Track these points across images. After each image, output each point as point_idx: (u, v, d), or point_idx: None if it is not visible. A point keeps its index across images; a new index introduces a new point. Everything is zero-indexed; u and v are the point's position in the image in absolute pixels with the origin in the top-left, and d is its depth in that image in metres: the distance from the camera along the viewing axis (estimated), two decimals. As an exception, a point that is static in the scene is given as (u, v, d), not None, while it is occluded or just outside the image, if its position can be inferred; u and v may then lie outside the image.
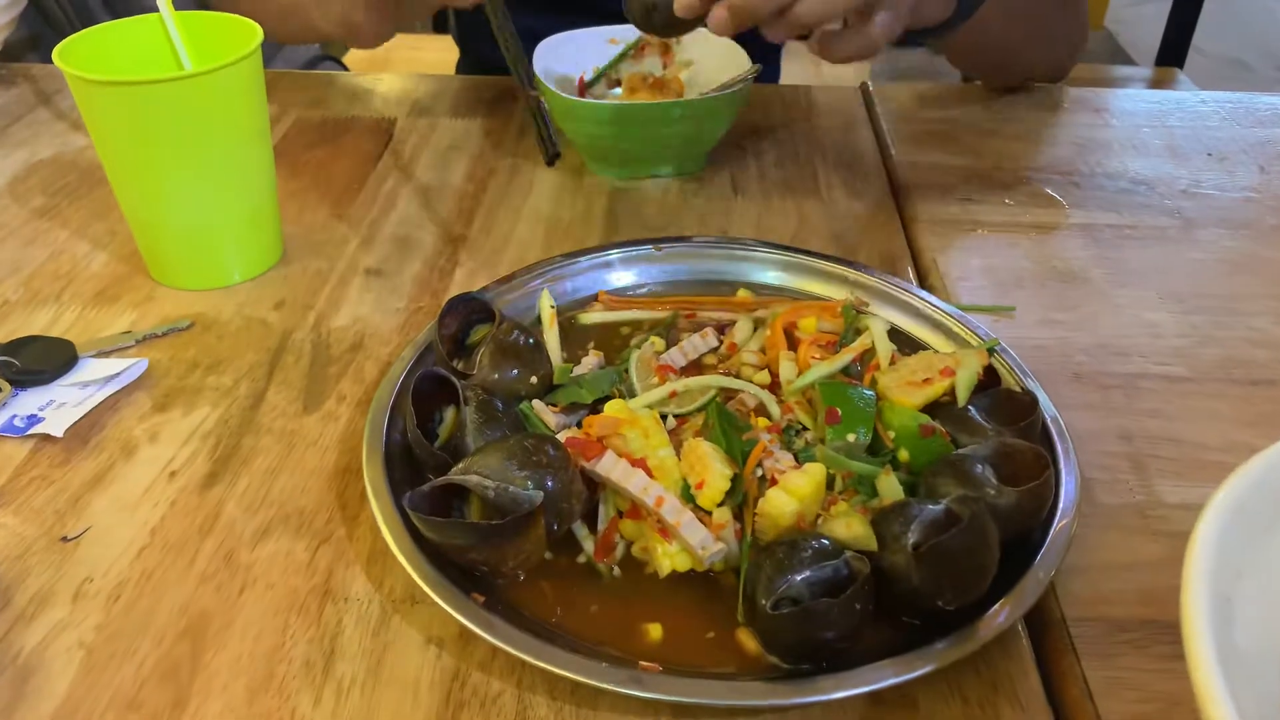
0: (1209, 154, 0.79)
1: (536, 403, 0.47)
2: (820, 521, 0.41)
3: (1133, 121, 0.83)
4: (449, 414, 0.47)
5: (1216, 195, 0.73)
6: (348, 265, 0.64)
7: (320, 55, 1.34)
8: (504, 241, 0.67)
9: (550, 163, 0.66)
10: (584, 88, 0.80)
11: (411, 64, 1.86)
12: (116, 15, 1.03)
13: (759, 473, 0.42)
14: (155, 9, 0.60)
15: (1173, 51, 2.23)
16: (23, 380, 0.52)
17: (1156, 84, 1.98)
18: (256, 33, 0.58)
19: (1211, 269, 0.65)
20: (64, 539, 0.44)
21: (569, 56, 0.79)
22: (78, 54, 0.57)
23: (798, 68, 1.88)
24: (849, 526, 0.39)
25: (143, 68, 0.60)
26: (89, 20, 1.05)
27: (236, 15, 0.61)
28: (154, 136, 0.55)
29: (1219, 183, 0.75)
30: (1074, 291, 0.62)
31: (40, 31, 1.02)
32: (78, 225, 0.67)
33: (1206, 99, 0.88)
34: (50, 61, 0.56)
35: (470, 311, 0.52)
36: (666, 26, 0.63)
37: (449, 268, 0.64)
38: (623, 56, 0.81)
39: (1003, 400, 0.48)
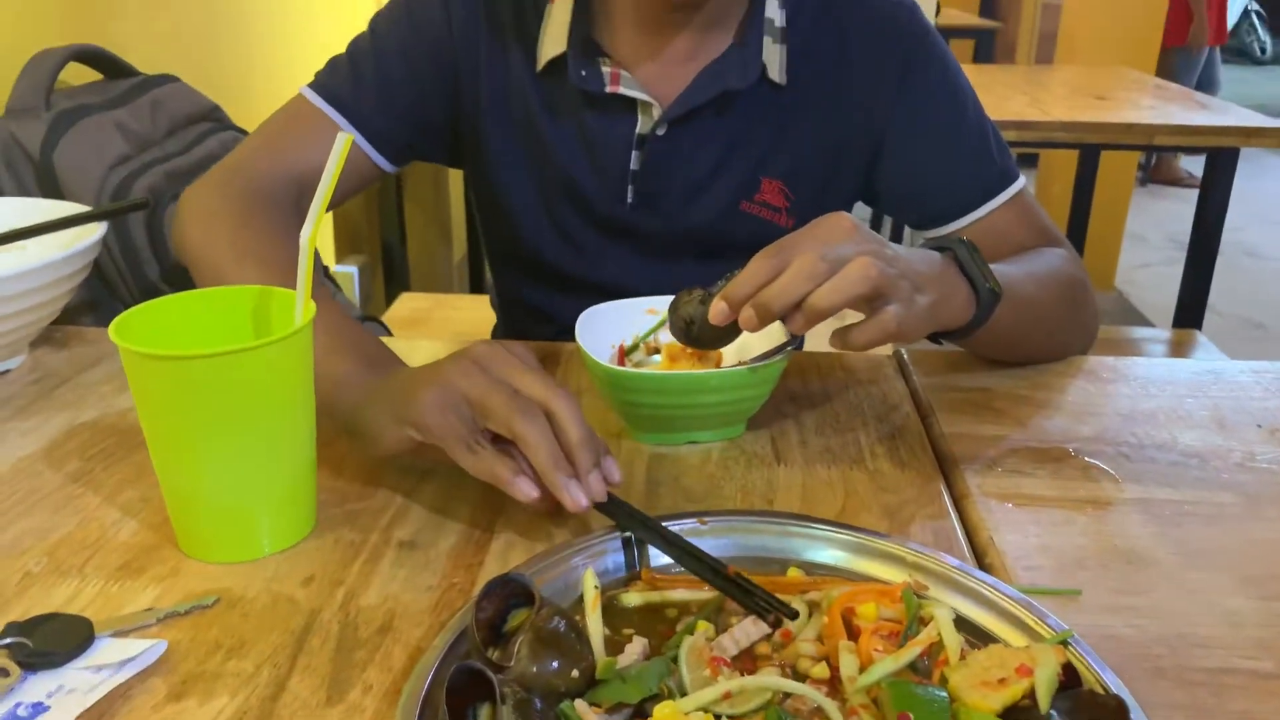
0: (1258, 425, 0.78)
1: (579, 703, 0.44)
2: None
3: (1175, 392, 0.83)
4: (484, 712, 0.43)
5: (1275, 469, 0.71)
6: (381, 537, 0.62)
7: (361, 317, 1.38)
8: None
9: (783, 621, 0.51)
10: (623, 355, 0.81)
11: (450, 323, 1.92)
12: (173, 282, 1.07)
13: (829, 793, 0.38)
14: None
15: (1189, 313, 2.29)
16: (34, 663, 0.49)
17: (1177, 346, 2.02)
18: (309, 307, 0.59)
19: (1284, 550, 0.62)
20: None
21: (609, 325, 0.80)
22: (133, 326, 0.58)
23: (830, 323, 1.92)
24: None
25: (195, 339, 0.61)
26: (145, 285, 1.10)
27: (293, 291, 0.62)
28: (200, 409, 0.55)
29: (1274, 456, 0.73)
30: (1141, 574, 0.59)
31: (98, 296, 1.06)
32: (110, 491, 0.66)
33: (1244, 369, 0.88)
34: (103, 325, 0.57)
35: (509, 594, 0.49)
36: (707, 339, 0.69)
37: (485, 540, 0.62)
38: (661, 324, 0.83)
39: (1086, 703, 0.44)
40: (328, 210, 0.94)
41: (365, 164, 0.93)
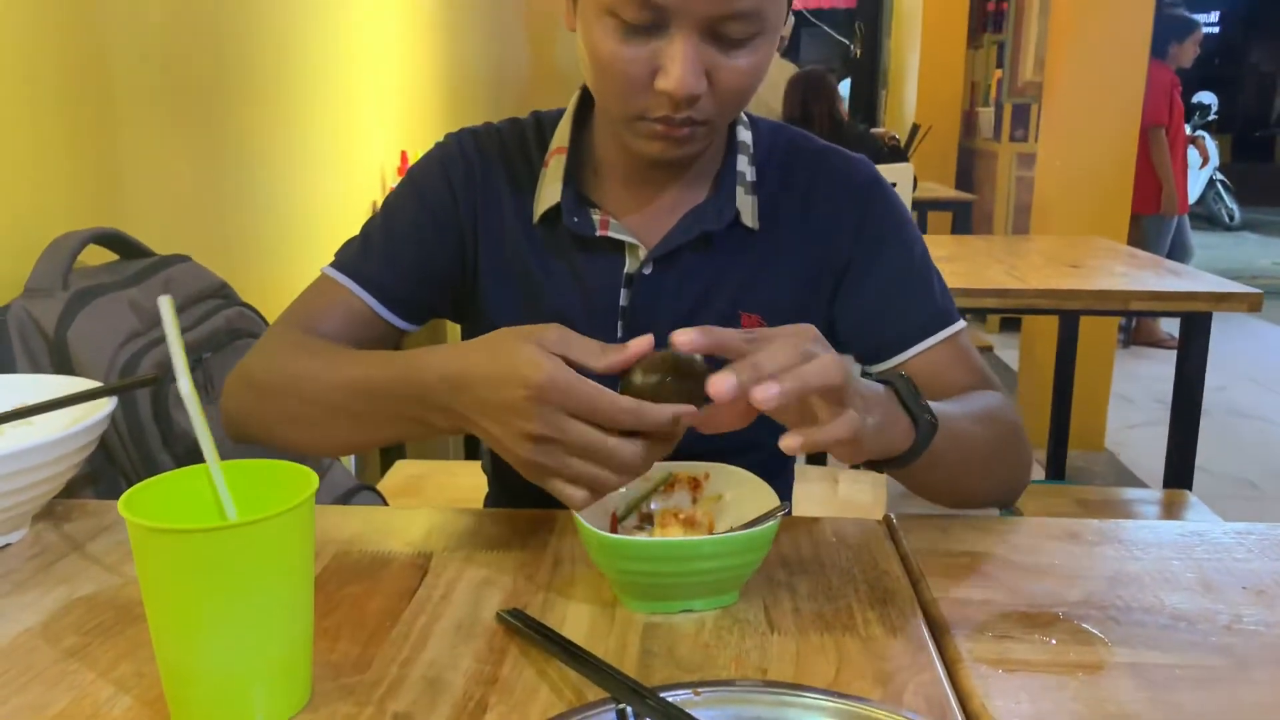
0: (1244, 587, 0.79)
1: None
2: None
3: (1160, 554, 0.84)
4: None
5: (1262, 631, 0.72)
6: (375, 709, 0.62)
7: (358, 486, 1.40)
8: (536, 681, 0.65)
9: None
10: (615, 522, 0.83)
11: (447, 489, 1.93)
12: (175, 455, 1.09)
13: None
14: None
15: (1178, 473, 2.31)
16: (21, 846, 0.49)
17: (1169, 506, 2.03)
18: (312, 479, 0.62)
19: (1276, 715, 0.62)
20: None
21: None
22: (141, 501, 0.60)
23: (817, 489, 1.94)
24: None
25: (201, 513, 0.63)
26: (149, 459, 1.12)
27: (292, 463, 0.64)
28: (203, 582, 0.56)
29: (1261, 618, 0.74)
30: (1135, 740, 0.59)
31: (100, 468, 1.08)
32: (105, 666, 0.67)
33: (1229, 530, 0.89)
34: (105, 497, 0.59)
35: (504, 767, 0.49)
36: (649, 384, 0.71)
37: (479, 712, 0.62)
38: (653, 491, 0.85)
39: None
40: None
41: (381, 326, 1.01)
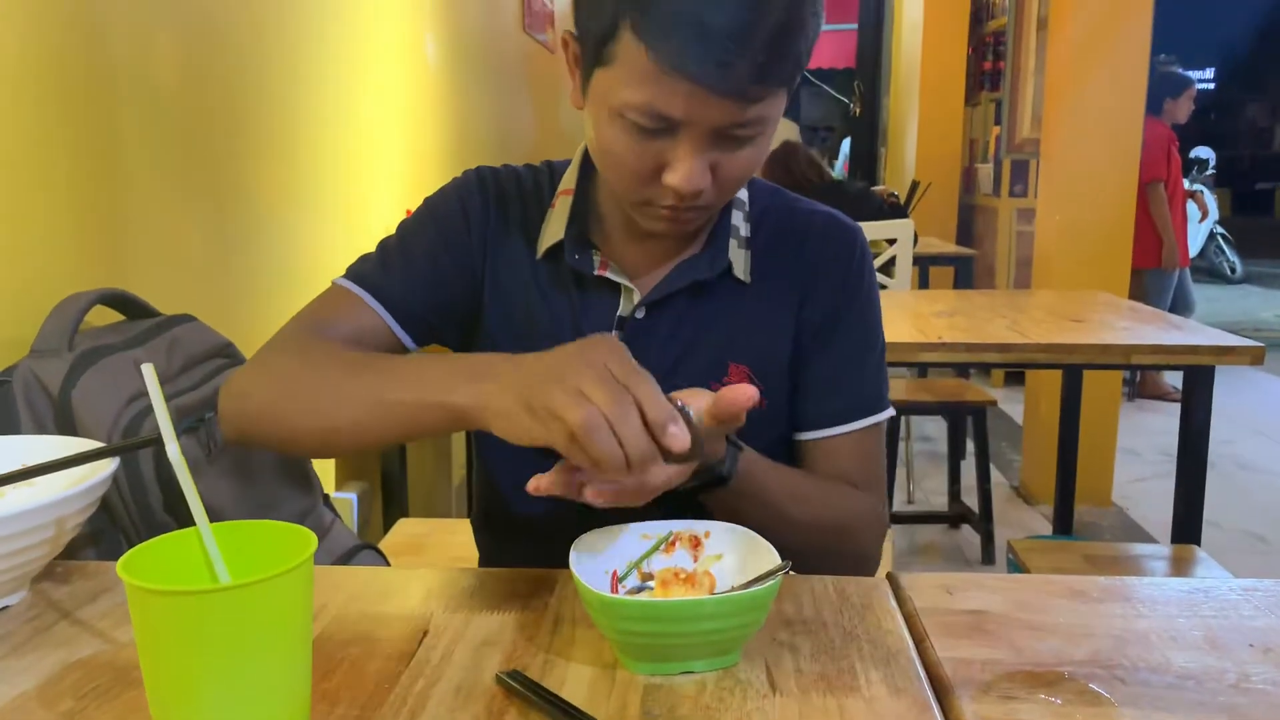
0: (1250, 645, 0.78)
1: None
2: None
3: (1166, 611, 0.83)
4: None
5: (1270, 690, 0.71)
6: (372, 775, 0.61)
7: (359, 545, 1.39)
8: (535, 746, 0.65)
9: None
10: (616, 582, 0.82)
11: (448, 548, 1.93)
12: (177, 516, 1.09)
13: None
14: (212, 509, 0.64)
15: (1185, 528, 2.29)
16: None
17: (1178, 562, 2.01)
18: (311, 541, 0.62)
19: (1286, 776, 0.61)
20: None
21: (602, 552, 0.82)
22: (139, 563, 0.60)
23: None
24: None
25: (201, 576, 0.63)
26: (147, 515, 1.11)
27: (291, 524, 0.64)
28: (201, 645, 0.56)
29: (1269, 677, 0.73)
30: (1144, 803, 0.58)
31: (101, 528, 1.08)
32: (101, 730, 0.66)
33: (1235, 586, 0.88)
34: (105, 558, 0.59)
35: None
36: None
37: (477, 777, 0.61)
38: (654, 550, 0.84)
39: None
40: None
41: (390, 342, 1.03)
